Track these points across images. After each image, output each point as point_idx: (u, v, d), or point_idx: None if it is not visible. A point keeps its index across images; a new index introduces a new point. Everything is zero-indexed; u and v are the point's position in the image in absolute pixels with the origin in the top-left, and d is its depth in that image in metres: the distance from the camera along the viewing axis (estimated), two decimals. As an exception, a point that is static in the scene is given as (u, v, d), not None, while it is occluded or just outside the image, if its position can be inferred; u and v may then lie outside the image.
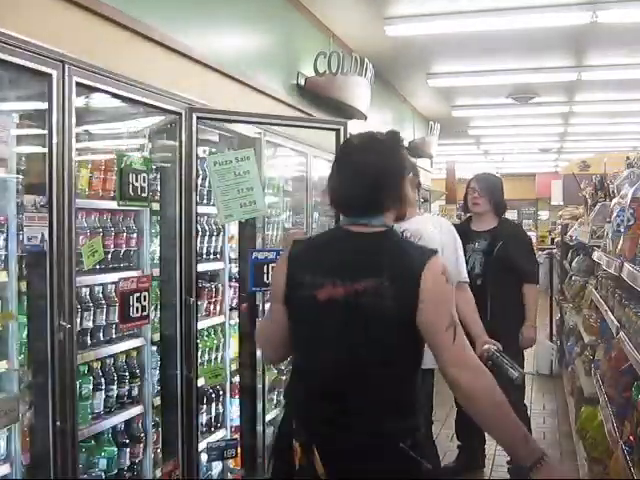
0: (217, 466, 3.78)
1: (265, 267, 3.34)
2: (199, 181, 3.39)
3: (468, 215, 4.43)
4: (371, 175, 1.82)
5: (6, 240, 2.41)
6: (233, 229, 4.00)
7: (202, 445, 3.39)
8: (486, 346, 3.09)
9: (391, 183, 1.86)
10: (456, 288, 3.18)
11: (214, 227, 3.78)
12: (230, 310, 3.97)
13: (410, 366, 1.88)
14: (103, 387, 2.91)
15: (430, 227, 3.43)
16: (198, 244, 3.58)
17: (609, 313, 3.21)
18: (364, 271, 1.78)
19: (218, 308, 3.86)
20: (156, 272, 3.22)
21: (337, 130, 3.36)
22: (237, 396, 3.98)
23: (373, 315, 1.76)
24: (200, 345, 3.61)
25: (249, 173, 3.21)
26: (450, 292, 1.84)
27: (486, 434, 3.30)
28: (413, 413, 1.88)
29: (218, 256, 3.85)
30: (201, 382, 3.35)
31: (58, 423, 2.39)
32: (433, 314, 1.76)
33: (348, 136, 2.05)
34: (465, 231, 4.07)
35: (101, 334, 2.94)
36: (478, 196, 4.19)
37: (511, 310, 4.09)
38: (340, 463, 1.79)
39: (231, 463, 3.85)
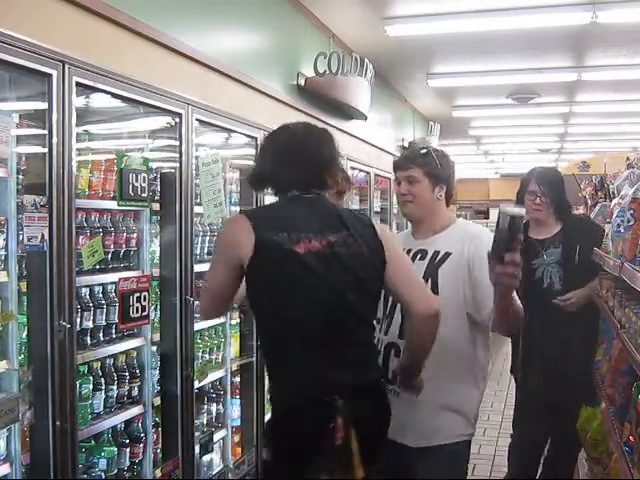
0: (217, 466, 3.78)
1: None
2: (198, 181, 3.39)
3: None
4: (318, 160, 2.07)
5: (6, 240, 2.41)
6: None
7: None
8: None
9: (331, 167, 2.11)
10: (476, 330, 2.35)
11: (215, 227, 3.78)
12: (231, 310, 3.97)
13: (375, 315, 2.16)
14: (103, 387, 2.91)
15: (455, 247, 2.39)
16: (199, 244, 3.59)
17: (609, 313, 3.21)
18: (332, 226, 1.99)
19: (218, 308, 3.85)
20: (156, 272, 3.22)
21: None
22: (237, 396, 3.99)
23: (352, 260, 1.97)
24: (201, 345, 3.62)
25: (218, 175, 3.39)
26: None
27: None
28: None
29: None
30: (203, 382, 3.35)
31: (58, 423, 2.39)
32: (399, 259, 2.10)
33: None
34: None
35: (101, 334, 2.94)
36: (540, 202, 3.36)
37: (591, 332, 3.41)
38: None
39: (231, 462, 3.86)
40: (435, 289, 2.30)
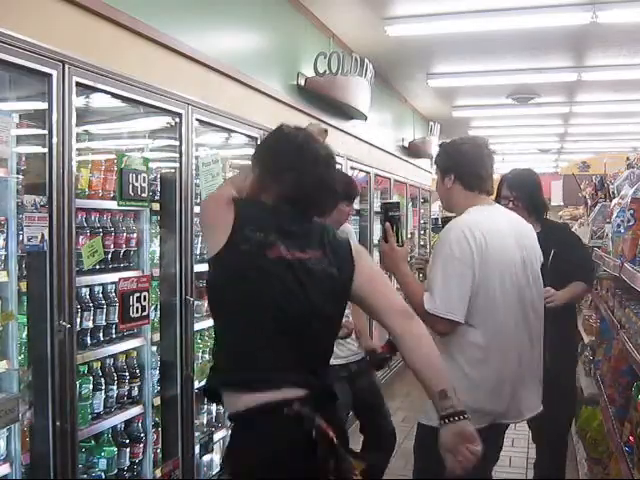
0: (217, 466, 3.78)
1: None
2: (198, 181, 3.39)
3: None
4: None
5: (6, 240, 2.41)
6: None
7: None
8: None
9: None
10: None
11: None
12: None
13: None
14: (103, 387, 2.91)
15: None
16: (199, 244, 3.59)
17: (609, 313, 3.21)
18: (310, 243, 1.93)
19: (218, 308, 3.85)
20: (156, 272, 3.22)
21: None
22: (237, 396, 3.98)
23: (320, 275, 1.91)
24: (201, 345, 3.62)
25: (218, 175, 3.39)
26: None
27: None
28: None
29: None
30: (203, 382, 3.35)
31: (58, 423, 2.39)
32: (370, 282, 2.00)
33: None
34: None
35: (101, 334, 2.94)
36: (513, 206, 3.35)
37: (567, 341, 3.43)
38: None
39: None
40: None
